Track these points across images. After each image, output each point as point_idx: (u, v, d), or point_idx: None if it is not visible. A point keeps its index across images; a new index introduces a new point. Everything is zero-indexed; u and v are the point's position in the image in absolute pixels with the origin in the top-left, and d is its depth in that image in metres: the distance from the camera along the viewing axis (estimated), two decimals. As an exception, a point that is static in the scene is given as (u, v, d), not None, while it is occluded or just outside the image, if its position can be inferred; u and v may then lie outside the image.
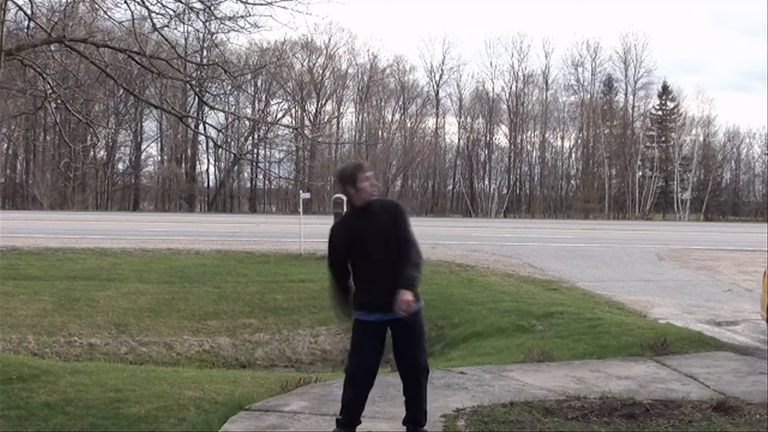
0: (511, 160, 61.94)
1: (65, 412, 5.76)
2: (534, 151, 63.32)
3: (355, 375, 4.76)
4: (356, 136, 59.89)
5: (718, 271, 16.90)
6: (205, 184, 61.30)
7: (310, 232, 19.74)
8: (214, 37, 8.84)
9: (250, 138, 57.71)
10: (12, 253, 16.87)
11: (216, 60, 9.16)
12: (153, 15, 7.48)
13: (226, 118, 46.93)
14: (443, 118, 63.16)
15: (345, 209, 4.99)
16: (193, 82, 9.10)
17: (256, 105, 57.02)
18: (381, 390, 5.94)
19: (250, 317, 13.28)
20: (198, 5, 7.68)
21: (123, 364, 10.02)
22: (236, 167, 58.53)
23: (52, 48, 8.20)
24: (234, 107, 49.30)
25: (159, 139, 60.43)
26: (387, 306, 4.59)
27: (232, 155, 56.93)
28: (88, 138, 12.37)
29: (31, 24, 8.00)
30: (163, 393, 6.23)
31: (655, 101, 63.99)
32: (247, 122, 57.15)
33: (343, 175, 4.82)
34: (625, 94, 64.03)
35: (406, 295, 4.53)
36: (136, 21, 7.73)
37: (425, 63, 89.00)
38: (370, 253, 4.67)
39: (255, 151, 57.43)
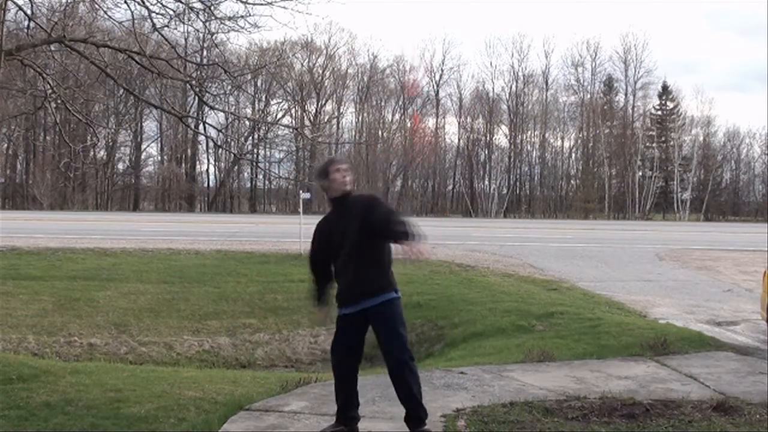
0: (511, 160, 61.93)
1: (65, 412, 5.76)
2: (534, 151, 63.38)
3: (335, 368, 4.91)
4: (356, 136, 59.88)
5: (718, 271, 16.90)
6: (205, 184, 61.36)
7: (310, 232, 19.71)
8: (214, 37, 8.85)
9: (250, 138, 57.74)
10: (12, 253, 16.86)
11: (216, 60, 9.18)
12: (153, 15, 7.50)
13: (226, 118, 46.89)
14: (443, 118, 63.29)
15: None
16: (193, 82, 9.11)
17: (256, 105, 57.05)
18: (381, 390, 5.94)
19: (250, 317, 13.27)
20: (198, 5, 7.69)
21: (123, 364, 10.03)
22: (236, 167, 58.52)
23: (52, 48, 8.21)
24: (234, 107, 49.30)
25: (159, 139, 60.51)
26: (354, 298, 4.74)
27: (232, 155, 56.98)
28: (88, 138, 12.37)
29: (31, 24, 8.01)
30: (163, 393, 6.24)
31: (654, 101, 64.11)
32: (247, 122, 57.20)
33: (317, 172, 5.03)
34: (625, 94, 64.11)
35: (407, 245, 4.37)
36: (136, 21, 7.75)
37: (425, 63, 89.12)
38: (342, 245, 4.78)
39: (255, 151, 57.43)
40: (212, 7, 7.72)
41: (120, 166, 60.34)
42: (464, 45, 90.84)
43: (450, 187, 64.73)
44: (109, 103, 45.46)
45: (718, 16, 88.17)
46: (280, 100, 59.91)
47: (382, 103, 62.27)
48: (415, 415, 4.77)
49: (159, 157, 61.27)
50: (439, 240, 21.34)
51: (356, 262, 4.74)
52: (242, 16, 7.67)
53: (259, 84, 55.17)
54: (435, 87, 62.25)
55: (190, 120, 41.21)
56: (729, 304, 12.35)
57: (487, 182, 62.49)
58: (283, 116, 57.48)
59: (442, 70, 62.39)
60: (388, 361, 4.77)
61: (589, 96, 63.17)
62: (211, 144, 52.36)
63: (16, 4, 7.67)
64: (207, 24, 8.22)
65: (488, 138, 62.12)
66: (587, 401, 5.86)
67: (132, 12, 7.62)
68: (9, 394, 6.24)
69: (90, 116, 11.82)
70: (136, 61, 7.88)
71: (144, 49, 7.65)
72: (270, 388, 6.37)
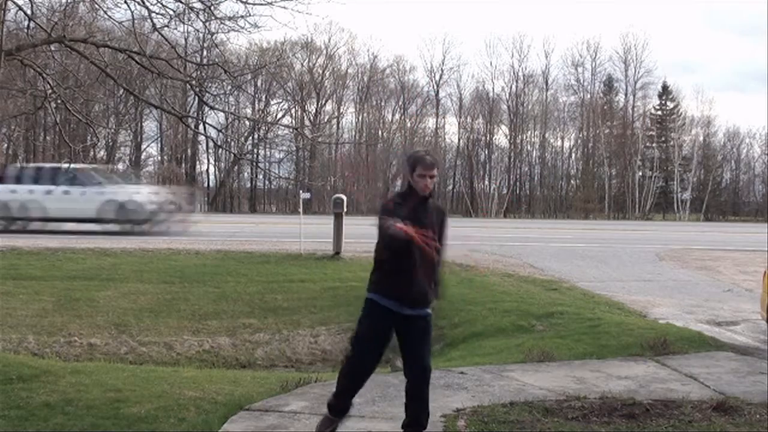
0: (511, 160, 61.94)
1: (65, 412, 5.76)
2: (534, 151, 63.43)
3: (358, 364, 4.76)
4: (356, 136, 59.91)
5: (718, 271, 16.89)
6: (205, 184, 61.34)
7: (310, 232, 19.73)
8: (214, 37, 8.85)
9: (250, 138, 57.73)
10: (12, 253, 16.85)
11: (216, 60, 9.17)
12: (153, 15, 7.49)
13: (226, 118, 46.87)
14: (443, 118, 63.29)
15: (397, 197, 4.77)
16: (193, 82, 9.11)
17: (256, 105, 57.07)
18: (381, 390, 5.94)
19: (250, 317, 13.27)
20: (198, 5, 7.69)
21: (123, 364, 10.01)
22: (236, 167, 58.53)
23: (52, 48, 8.21)
24: (234, 107, 49.33)
25: (159, 139, 60.49)
26: (415, 301, 4.64)
27: (232, 155, 57.01)
28: (88, 138, 12.38)
29: (31, 24, 8.00)
30: (163, 393, 6.23)
31: (654, 101, 64.15)
32: (247, 122, 57.23)
33: (406, 160, 4.82)
34: (625, 94, 64.12)
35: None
36: (136, 21, 7.74)
37: (425, 63, 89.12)
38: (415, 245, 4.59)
39: (255, 151, 57.40)
40: (212, 7, 7.72)
41: (120, 166, 60.34)
42: (464, 45, 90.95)
43: (450, 187, 64.73)
44: (109, 103, 45.42)
45: (718, 16, 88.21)
46: (280, 100, 59.99)
47: (382, 103, 62.36)
48: (418, 421, 4.76)
49: (159, 157, 61.32)
50: (439, 240, 21.25)
51: (427, 268, 4.65)
52: (242, 16, 7.68)
53: (259, 84, 55.20)
54: (435, 87, 62.36)
55: (190, 120, 41.18)
56: (729, 304, 12.34)
57: (487, 182, 62.60)
58: (283, 116, 57.53)
59: (442, 70, 62.45)
60: (413, 367, 4.72)
61: (589, 96, 63.25)
62: (211, 144, 52.26)
63: (16, 4, 7.67)
64: (207, 24, 8.21)
65: (488, 138, 62.19)
66: (587, 401, 5.87)
67: (132, 12, 7.62)
68: (9, 394, 6.24)
69: (90, 116, 11.81)
70: (136, 61, 7.87)
71: (144, 49, 7.65)
72: (270, 388, 6.37)
